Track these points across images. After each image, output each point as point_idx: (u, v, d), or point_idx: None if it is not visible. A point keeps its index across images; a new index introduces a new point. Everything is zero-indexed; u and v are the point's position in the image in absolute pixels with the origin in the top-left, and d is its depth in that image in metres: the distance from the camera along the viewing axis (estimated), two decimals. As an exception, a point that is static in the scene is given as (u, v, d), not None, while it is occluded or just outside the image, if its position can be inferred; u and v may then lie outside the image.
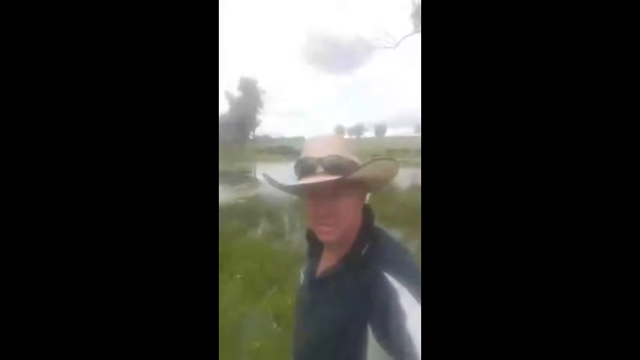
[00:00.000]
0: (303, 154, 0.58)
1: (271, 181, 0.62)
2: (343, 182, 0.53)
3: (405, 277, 0.49)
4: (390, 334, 0.45)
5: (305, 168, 0.56)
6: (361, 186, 0.59)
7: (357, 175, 0.53)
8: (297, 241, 4.09)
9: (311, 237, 0.68)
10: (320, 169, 0.55)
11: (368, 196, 0.64)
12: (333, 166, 0.54)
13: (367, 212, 0.62)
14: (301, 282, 0.70)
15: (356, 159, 0.58)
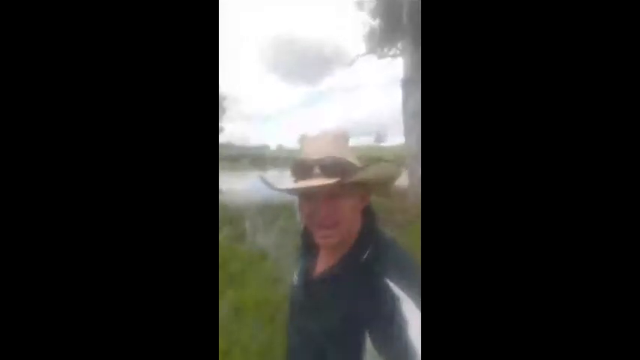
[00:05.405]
0: (302, 154, 0.59)
1: (267, 184, 0.62)
2: (342, 185, 0.53)
3: (407, 284, 0.49)
4: (390, 342, 0.45)
5: (302, 169, 0.57)
6: (362, 188, 0.59)
7: (356, 177, 0.53)
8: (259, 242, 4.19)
9: (306, 236, 0.67)
10: (317, 170, 0.55)
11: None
12: (330, 168, 0.54)
13: (368, 213, 0.62)
14: (295, 282, 0.69)
15: (355, 160, 0.59)
